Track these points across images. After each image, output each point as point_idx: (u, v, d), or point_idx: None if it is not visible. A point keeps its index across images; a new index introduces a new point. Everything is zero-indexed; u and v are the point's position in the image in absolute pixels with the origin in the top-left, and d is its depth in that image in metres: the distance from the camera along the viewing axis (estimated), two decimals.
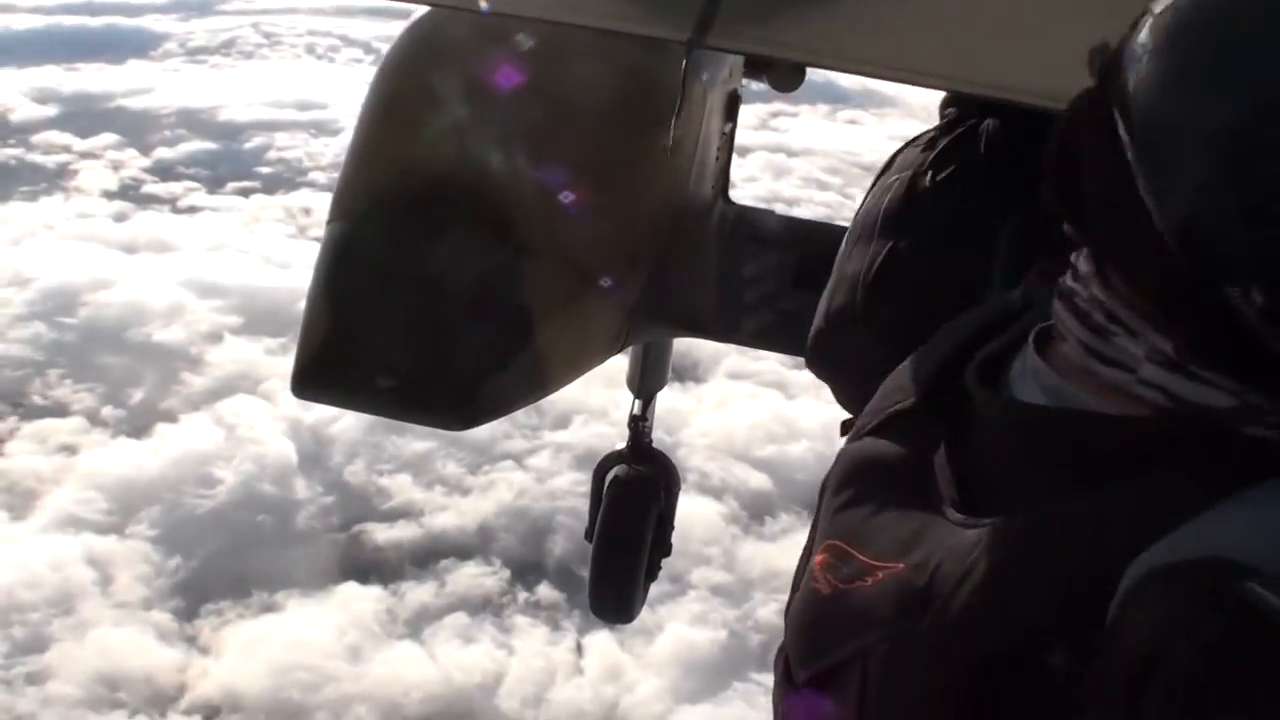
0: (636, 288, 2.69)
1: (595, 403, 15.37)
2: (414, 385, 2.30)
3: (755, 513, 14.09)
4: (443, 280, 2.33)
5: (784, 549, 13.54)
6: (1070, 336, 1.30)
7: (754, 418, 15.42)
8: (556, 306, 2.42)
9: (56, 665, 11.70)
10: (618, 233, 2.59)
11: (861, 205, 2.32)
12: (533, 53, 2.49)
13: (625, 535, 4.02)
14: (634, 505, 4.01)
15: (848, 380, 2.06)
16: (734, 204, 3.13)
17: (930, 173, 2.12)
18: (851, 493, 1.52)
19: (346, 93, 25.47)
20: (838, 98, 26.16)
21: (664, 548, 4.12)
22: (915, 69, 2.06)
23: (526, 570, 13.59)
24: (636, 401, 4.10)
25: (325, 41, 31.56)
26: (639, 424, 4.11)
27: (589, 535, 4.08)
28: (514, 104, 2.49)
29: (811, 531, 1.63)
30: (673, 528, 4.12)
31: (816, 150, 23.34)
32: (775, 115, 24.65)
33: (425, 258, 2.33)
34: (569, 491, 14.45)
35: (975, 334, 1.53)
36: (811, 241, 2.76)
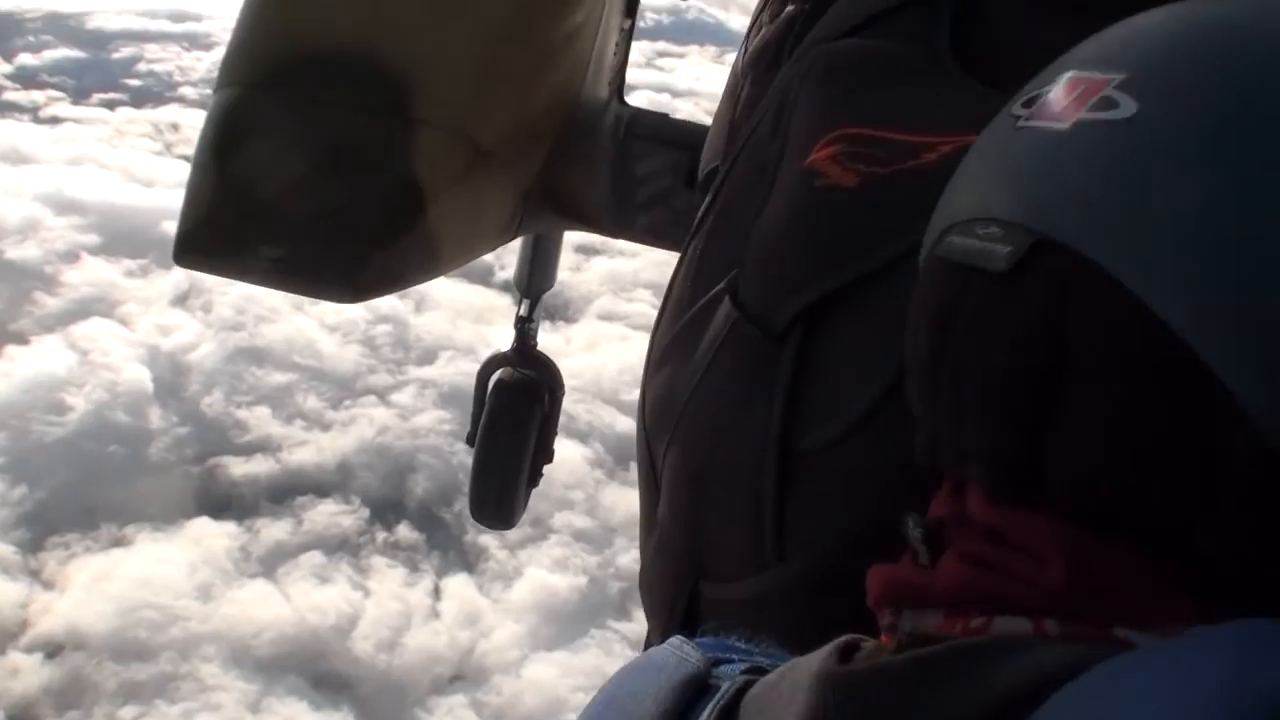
0: (532, 171, 2.66)
1: (462, 339, 15.23)
2: (302, 255, 2.25)
3: (620, 458, 14.00)
4: (334, 148, 2.29)
5: None
6: None
7: (623, 360, 15.30)
8: (451, 181, 2.37)
9: None
10: (516, 112, 2.55)
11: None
12: None
13: (508, 439, 3.87)
14: (518, 408, 3.87)
15: None
16: (628, 105, 3.12)
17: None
18: (851, 80, 1.22)
19: (223, 5, 24.72)
20: (726, 40, 25.87)
21: (546, 453, 4.00)
22: None
23: (386, 510, 13.43)
24: (524, 302, 4.00)
25: None
26: (525, 325, 3.98)
27: (470, 439, 3.89)
28: None
29: (765, 135, 1.28)
30: (555, 433, 4.01)
31: (701, 92, 23.07)
32: (661, 55, 24.38)
33: (317, 125, 2.29)
34: (432, 430, 14.29)
35: None
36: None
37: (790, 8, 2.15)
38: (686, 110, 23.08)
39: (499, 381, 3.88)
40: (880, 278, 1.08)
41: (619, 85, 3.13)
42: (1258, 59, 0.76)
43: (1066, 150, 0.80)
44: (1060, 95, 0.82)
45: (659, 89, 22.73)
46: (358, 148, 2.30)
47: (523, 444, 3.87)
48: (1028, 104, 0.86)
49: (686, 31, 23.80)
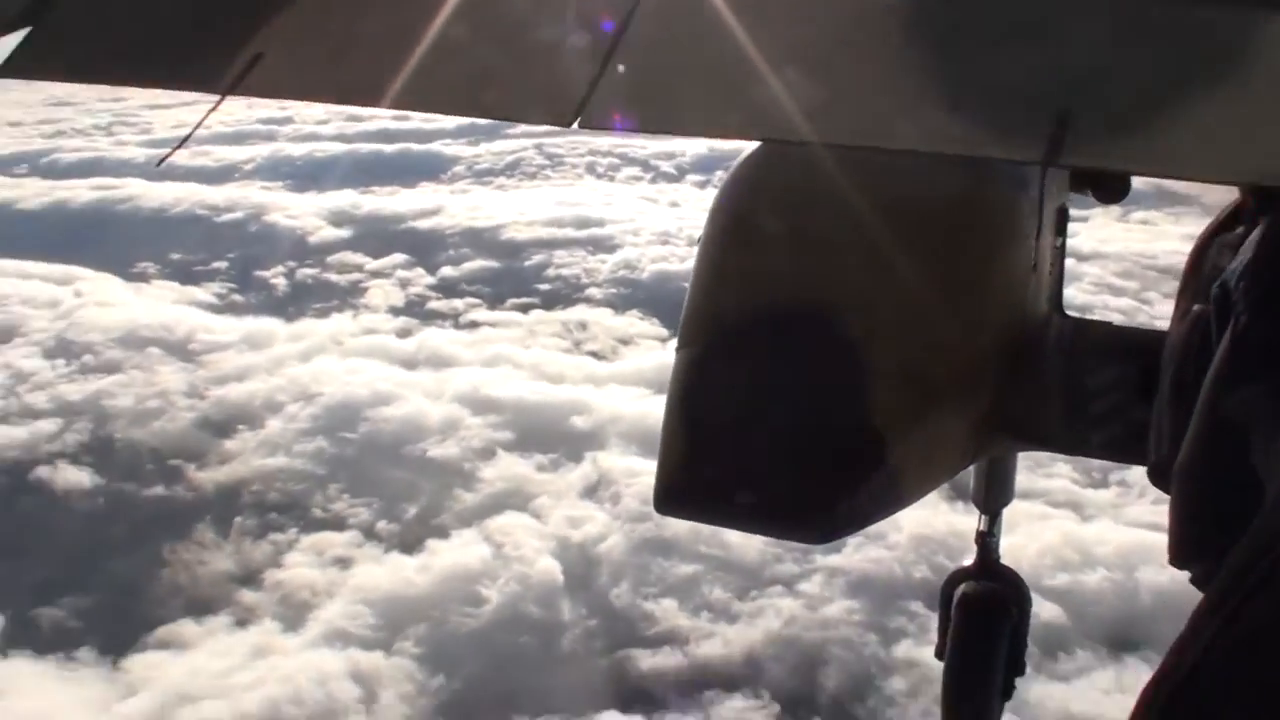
0: (983, 403, 2.74)
1: (871, 526, 14.61)
2: (772, 503, 2.39)
3: (1047, 648, 12.90)
4: (794, 401, 2.42)
5: (1079, 690, 12.40)
6: None
7: (1044, 541, 14.30)
8: (908, 424, 2.46)
9: None
10: (964, 349, 2.65)
11: (1172, 327, 2.30)
12: (866, 174, 2.54)
13: (978, 653, 3.84)
14: (985, 622, 3.85)
15: (1198, 505, 1.91)
16: (1069, 317, 3.15)
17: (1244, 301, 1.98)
18: None
19: (624, 210, 25.89)
20: (1130, 199, 24.84)
21: (1018, 666, 3.88)
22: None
23: (797, 705, 12.82)
24: (983, 517, 3.96)
25: (605, 161, 32.43)
26: (986, 539, 3.95)
27: (939, 653, 3.83)
28: (854, 226, 2.58)
29: None
30: (1026, 645, 3.91)
31: (1108, 254, 22.19)
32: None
33: (775, 380, 2.44)
34: (842, 620, 13.68)
35: None
36: (1153, 351, 2.63)
37: None
38: (1094, 274, 22.12)
39: (964, 596, 3.85)
40: None
41: (1057, 299, 3.17)
42: None
43: None
44: None
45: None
46: (818, 400, 2.41)
47: (993, 659, 3.83)
48: None
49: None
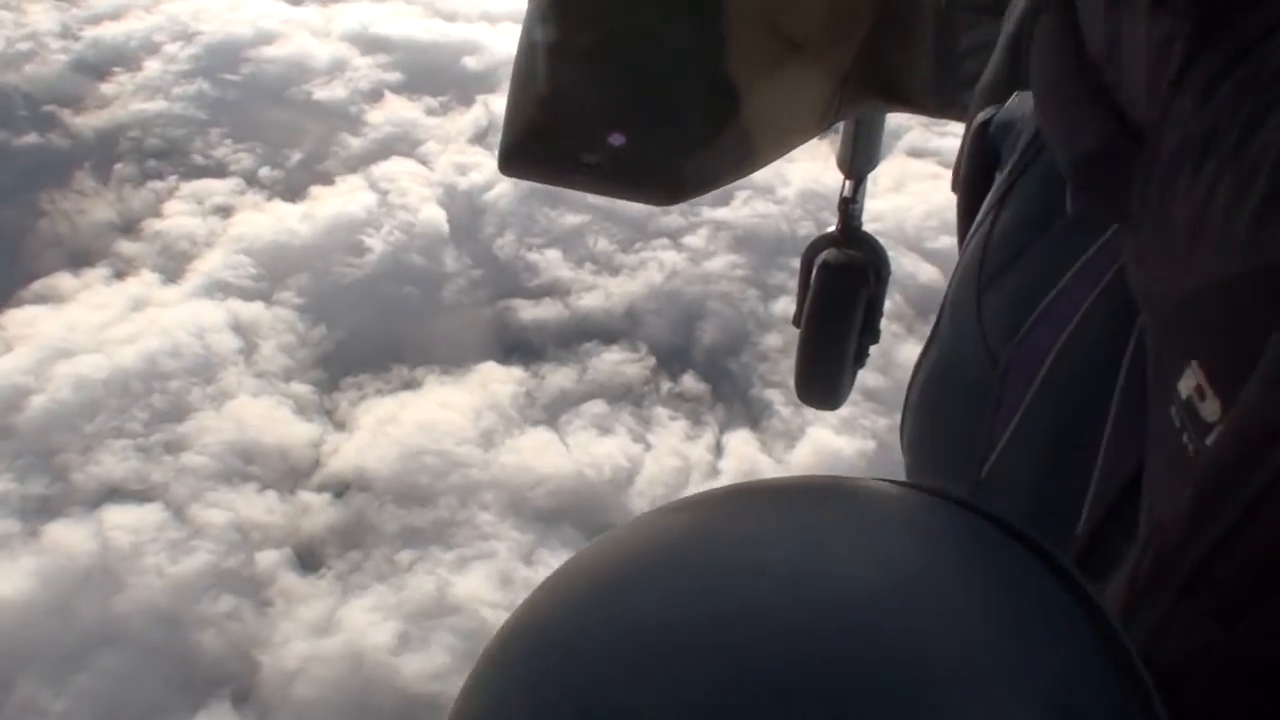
0: (848, 58, 2.68)
1: (761, 178, 14.46)
2: (620, 161, 2.35)
3: (921, 310, 13.06)
4: (646, 54, 2.36)
5: None
6: None
7: (930, 203, 14.22)
8: (764, 77, 2.42)
9: (193, 435, 11.77)
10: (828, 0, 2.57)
11: None
12: None
13: (834, 320, 3.99)
14: (843, 289, 3.97)
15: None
16: None
17: None
18: None
19: None
20: None
21: (873, 333, 4.10)
22: None
23: (673, 358, 13.05)
24: (847, 182, 4.01)
25: None
26: (849, 206, 4.01)
27: (796, 320, 4.02)
28: None
29: None
30: (881, 313, 4.12)
31: None
32: None
33: (629, 33, 2.36)
34: (724, 275, 13.76)
35: None
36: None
37: None
38: None
39: (824, 263, 3.90)
40: None
41: None
42: None
43: None
44: None
45: None
46: (670, 50, 2.34)
47: (849, 325, 3.93)
48: None
49: None
